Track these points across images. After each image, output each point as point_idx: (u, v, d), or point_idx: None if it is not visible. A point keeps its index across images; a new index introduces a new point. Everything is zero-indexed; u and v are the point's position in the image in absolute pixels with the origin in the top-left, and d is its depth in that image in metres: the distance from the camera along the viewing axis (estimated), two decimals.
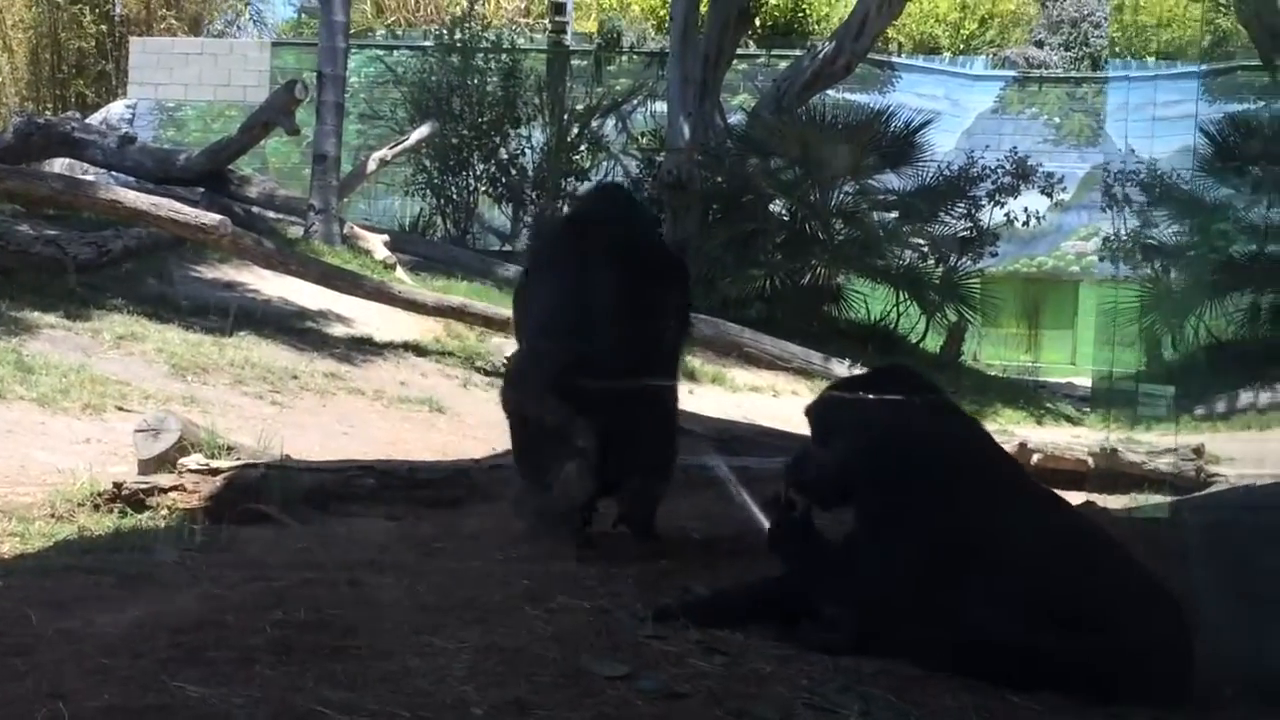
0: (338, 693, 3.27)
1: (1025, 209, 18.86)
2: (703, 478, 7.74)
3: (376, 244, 15.30)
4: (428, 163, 20.23)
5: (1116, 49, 25.12)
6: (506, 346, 11.96)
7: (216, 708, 3.11)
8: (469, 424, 10.05)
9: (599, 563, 4.99)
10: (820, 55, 19.50)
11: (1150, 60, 23.38)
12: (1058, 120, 24.66)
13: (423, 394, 10.46)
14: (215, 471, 6.23)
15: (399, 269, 14.89)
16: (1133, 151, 15.10)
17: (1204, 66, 14.09)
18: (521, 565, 4.89)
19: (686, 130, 18.92)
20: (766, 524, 4.21)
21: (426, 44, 23.03)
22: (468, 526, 5.94)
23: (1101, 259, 17.24)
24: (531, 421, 5.24)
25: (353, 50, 18.48)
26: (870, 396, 3.99)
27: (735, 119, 20.90)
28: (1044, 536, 3.68)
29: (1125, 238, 15.10)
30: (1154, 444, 10.67)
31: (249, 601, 4.16)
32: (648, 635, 3.90)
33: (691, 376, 13.81)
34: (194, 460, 6.31)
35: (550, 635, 3.86)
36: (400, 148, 18.09)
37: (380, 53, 24.45)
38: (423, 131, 18.34)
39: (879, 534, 3.79)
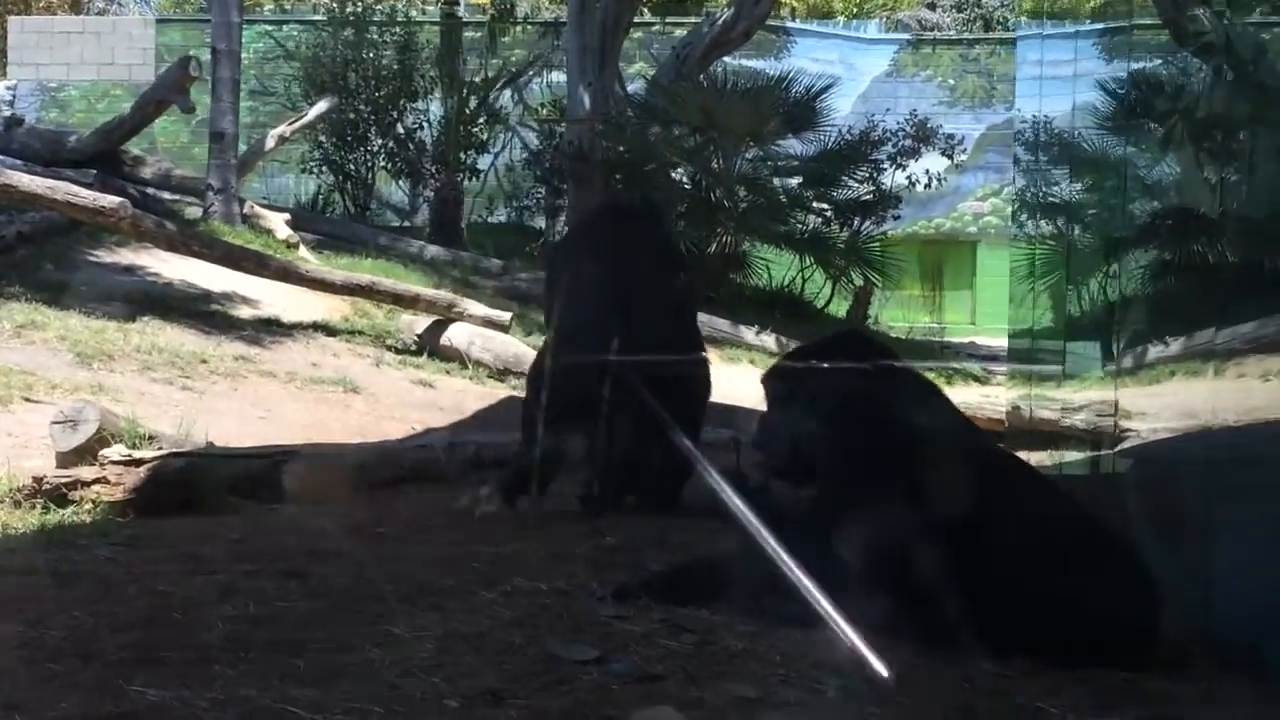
0: (304, 690, 3.17)
1: (926, 171, 18.97)
2: None
3: (278, 223, 15.03)
4: (324, 139, 19.91)
5: (1017, 8, 25.32)
6: (417, 324, 11.84)
7: (182, 712, 2.99)
8: (386, 404, 9.91)
9: (545, 543, 4.92)
10: (719, 22, 19.45)
11: (1053, 20, 23.56)
12: (952, 82, 24.83)
13: (336, 374, 10.30)
14: (138, 462, 6.03)
15: (302, 248, 14.65)
16: (1037, 115, 15.17)
17: (1101, 25, 14.18)
18: (468, 548, 4.80)
19: (587, 100, 18.79)
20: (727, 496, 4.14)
21: (318, 18, 22.69)
22: (403, 510, 5.84)
23: (1015, 219, 17.35)
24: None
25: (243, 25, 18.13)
26: (828, 365, 3.92)
27: (635, 88, 20.79)
28: (1011, 502, 3.66)
29: (1029, 197, 15.22)
30: (1068, 400, 10.78)
31: (195, 597, 4.03)
32: (610, 615, 3.82)
33: None
34: (116, 451, 6.10)
35: (511, 620, 3.78)
36: (300, 124, 17.78)
37: (270, 28, 24.04)
38: (321, 107, 18.04)
39: (846, 502, 3.74)
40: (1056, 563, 3.54)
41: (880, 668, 3.29)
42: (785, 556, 3.59)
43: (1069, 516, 3.74)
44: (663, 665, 3.40)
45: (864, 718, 3.15)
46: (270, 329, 11.46)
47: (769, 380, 4.18)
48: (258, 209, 15.54)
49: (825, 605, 3.42)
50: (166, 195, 16.04)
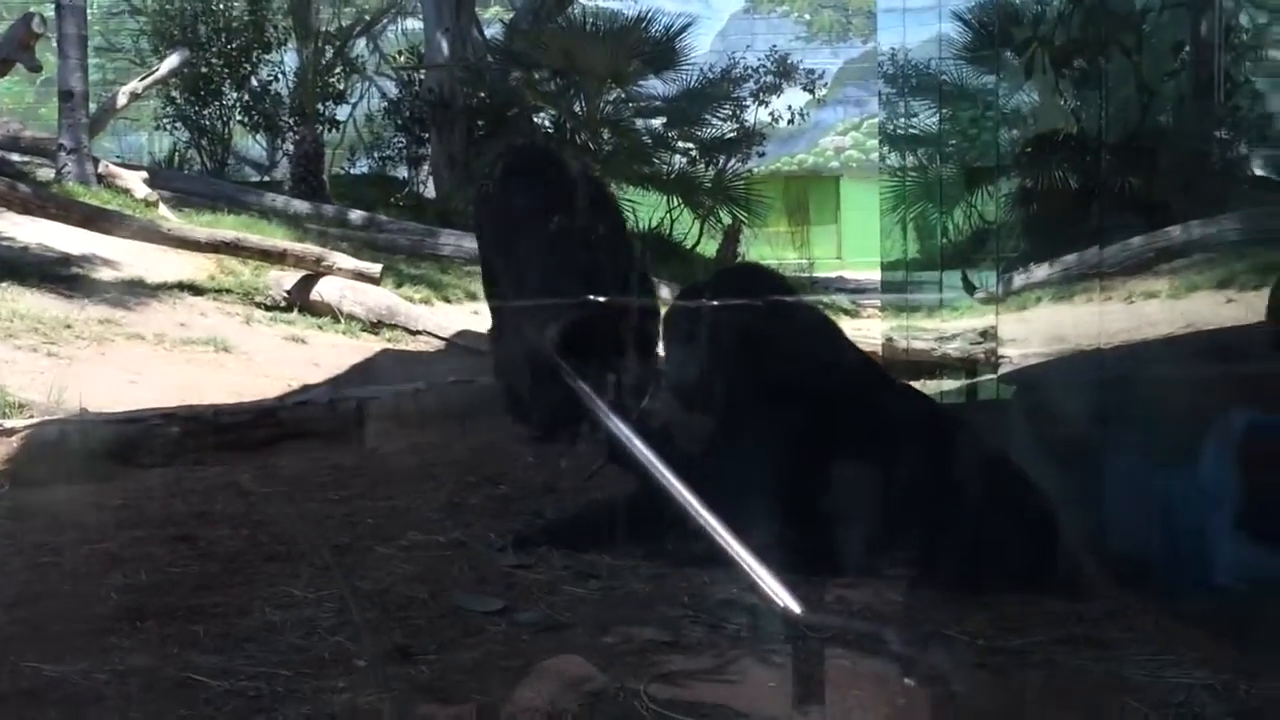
0: (206, 657, 3.11)
1: (788, 107, 19.03)
2: None
3: (135, 181, 14.63)
4: (177, 94, 19.44)
5: None
6: (285, 280, 11.63)
7: (82, 686, 2.92)
8: (258, 362, 9.72)
9: (437, 494, 4.87)
10: None
11: None
12: (808, 17, 24.91)
13: (206, 334, 10.07)
14: (10, 432, 5.86)
15: (161, 206, 14.29)
16: (898, 47, 15.26)
17: None
18: (358, 503, 4.74)
19: (445, 46, 18.55)
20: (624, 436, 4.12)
21: None
22: (288, 468, 5.73)
23: (880, 152, 17.49)
24: None
25: None
26: (727, 300, 3.91)
27: (493, 32, 20.56)
28: (911, 431, 3.68)
29: (893, 129, 15.32)
30: (940, 330, 10.92)
31: (82, 567, 3.94)
32: (512, 565, 3.80)
33: (473, 297, 13.65)
34: None
35: (412, 574, 3.74)
36: (152, 79, 17.31)
37: None
38: (173, 61, 17.58)
39: (746, 436, 3.74)
40: (957, 491, 3.57)
41: (789, 601, 3.31)
42: (687, 495, 3.58)
43: (970, 447, 3.78)
44: (570, 613, 3.39)
45: (774, 653, 3.17)
46: (135, 291, 11.16)
47: (670, 316, 4.15)
48: (113, 168, 15.12)
49: (730, 542, 3.42)
50: (16, 158, 15.54)
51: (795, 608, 3.32)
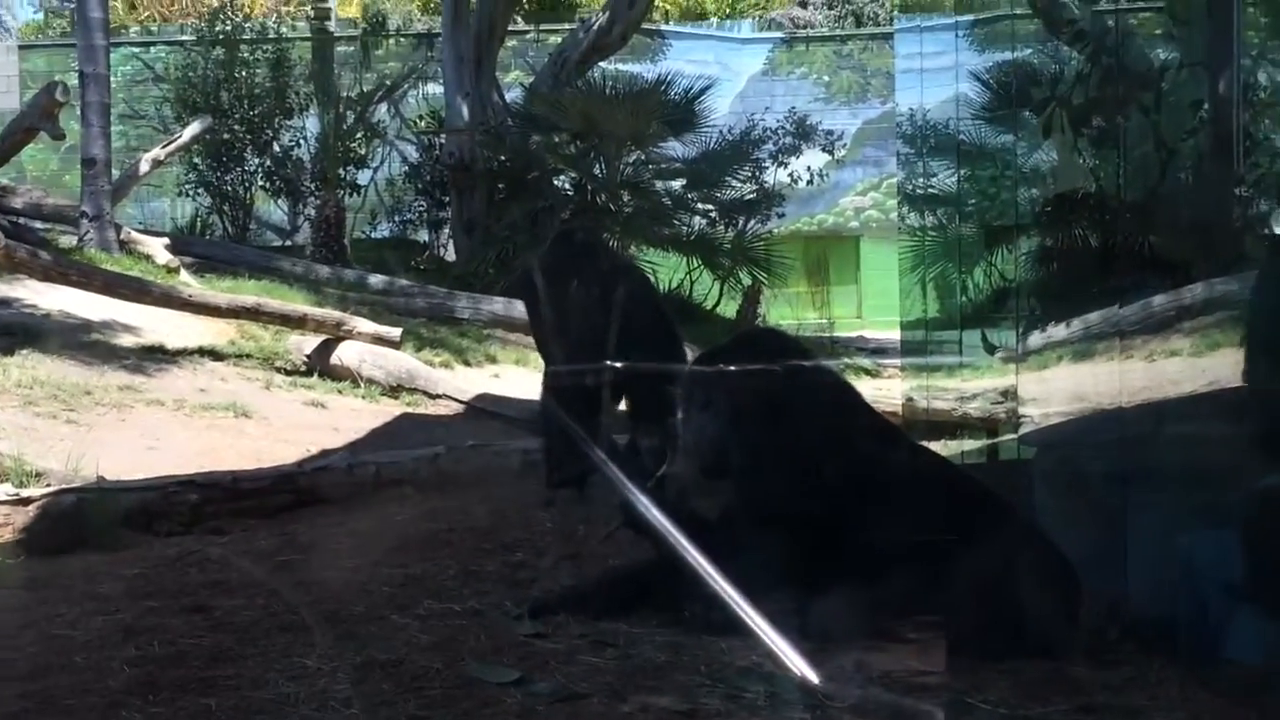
0: None
1: (807, 168, 19.10)
2: (528, 462, 7.62)
3: (157, 248, 14.71)
4: (199, 160, 19.58)
5: (887, 3, 25.50)
6: (305, 344, 11.65)
7: None
8: (278, 427, 9.73)
9: (454, 561, 4.84)
10: (595, 27, 19.42)
11: (921, 12, 23.75)
12: (827, 79, 24.98)
13: (225, 400, 10.08)
14: (27, 501, 5.86)
15: (183, 272, 14.36)
16: (915, 107, 15.31)
17: (971, 16, 14.28)
18: (375, 571, 4.71)
19: (465, 110, 18.66)
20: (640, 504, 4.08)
21: (185, 38, 22.27)
22: (305, 535, 5.71)
23: (899, 212, 17.51)
24: None
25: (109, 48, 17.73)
26: (745, 365, 3.88)
27: (513, 96, 20.69)
28: (935, 499, 3.64)
29: (912, 189, 15.34)
30: (961, 389, 10.87)
31: (96, 639, 3.91)
32: (528, 634, 3.76)
33: (493, 360, 13.67)
34: (3, 491, 5.93)
35: (428, 644, 3.71)
36: (174, 146, 17.43)
37: (137, 50, 23.57)
38: (195, 128, 17.70)
39: (765, 505, 3.71)
40: (977, 555, 3.53)
41: (807, 671, 3.26)
42: (705, 564, 3.54)
43: (991, 510, 3.74)
44: (586, 683, 3.35)
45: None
46: (155, 356, 11.20)
47: (686, 383, 4.12)
48: (135, 235, 15.21)
49: (749, 611, 3.38)
50: (39, 224, 15.65)
51: (813, 676, 3.27)
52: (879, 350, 17.00)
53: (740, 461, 3.81)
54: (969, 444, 9.92)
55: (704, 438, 3.92)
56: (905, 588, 3.47)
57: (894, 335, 15.38)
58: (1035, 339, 10.56)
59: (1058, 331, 10.07)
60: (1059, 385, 9.69)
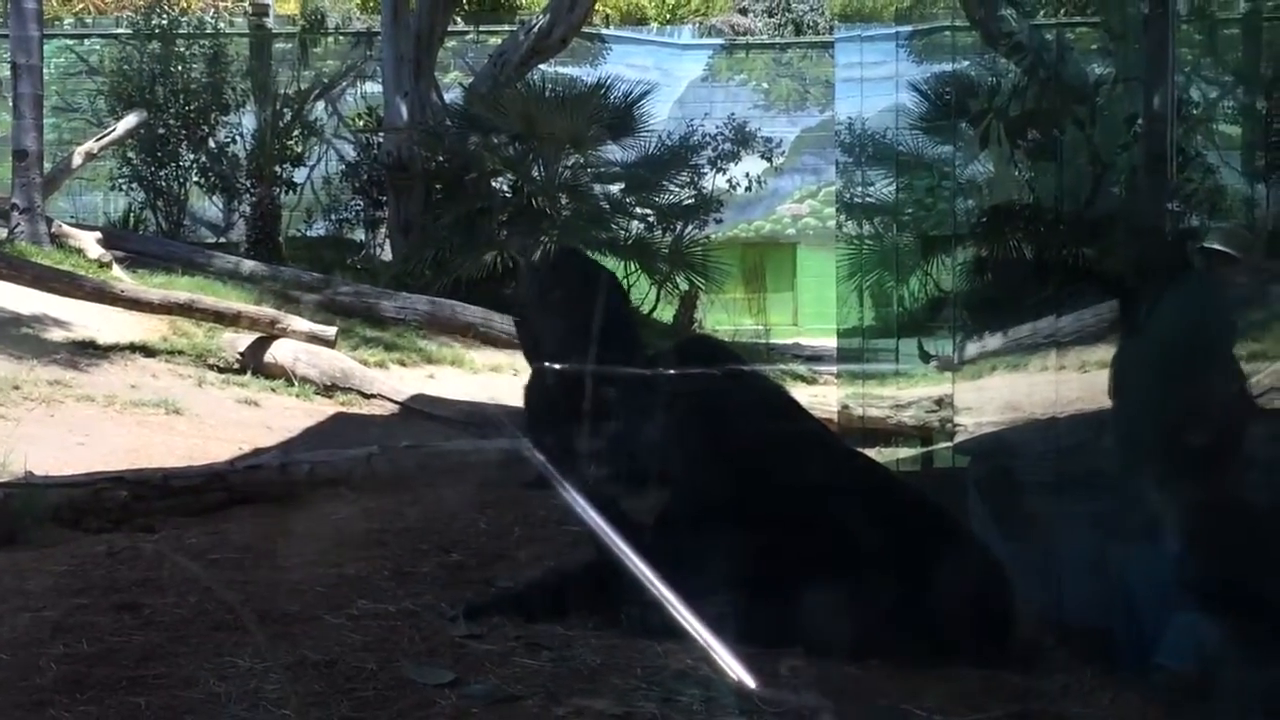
0: None
1: (746, 174, 19.15)
2: (464, 463, 7.60)
3: (89, 242, 14.54)
4: (133, 155, 19.36)
5: (828, 13, 25.60)
6: (239, 342, 11.55)
7: None
8: (210, 425, 9.64)
9: (389, 562, 4.80)
10: (535, 29, 19.36)
11: (861, 22, 23.88)
12: (766, 86, 25.05)
13: (157, 396, 9.98)
14: None
15: (115, 267, 14.20)
16: (854, 116, 15.39)
17: (909, 28, 14.41)
18: (309, 571, 4.67)
19: (404, 109, 18.56)
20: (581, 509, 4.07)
21: (121, 31, 22.00)
22: (237, 533, 5.65)
23: (837, 220, 17.62)
24: None
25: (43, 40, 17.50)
26: (678, 371, 3.88)
27: (452, 96, 20.60)
28: (869, 503, 3.65)
29: (849, 198, 15.42)
30: (896, 397, 10.93)
31: (22, 636, 3.85)
32: (464, 635, 3.74)
33: (429, 359, 13.61)
34: None
35: (361, 645, 3.67)
36: (108, 139, 17.24)
37: (72, 42, 23.29)
38: (130, 121, 17.51)
39: (699, 509, 3.70)
40: (914, 563, 3.54)
41: (743, 675, 3.26)
42: (642, 566, 3.54)
43: (926, 517, 3.75)
44: (522, 685, 3.33)
45: None
46: (86, 352, 11.07)
47: (618, 389, 4.12)
48: (66, 228, 15.02)
49: (685, 614, 3.37)
50: None
51: (749, 681, 3.27)
52: (814, 357, 17.06)
53: (676, 466, 3.82)
54: (904, 451, 9.98)
55: (639, 443, 3.92)
56: (840, 594, 3.47)
57: (829, 343, 15.46)
58: (970, 349, 10.65)
59: (992, 342, 10.15)
60: (993, 394, 9.77)
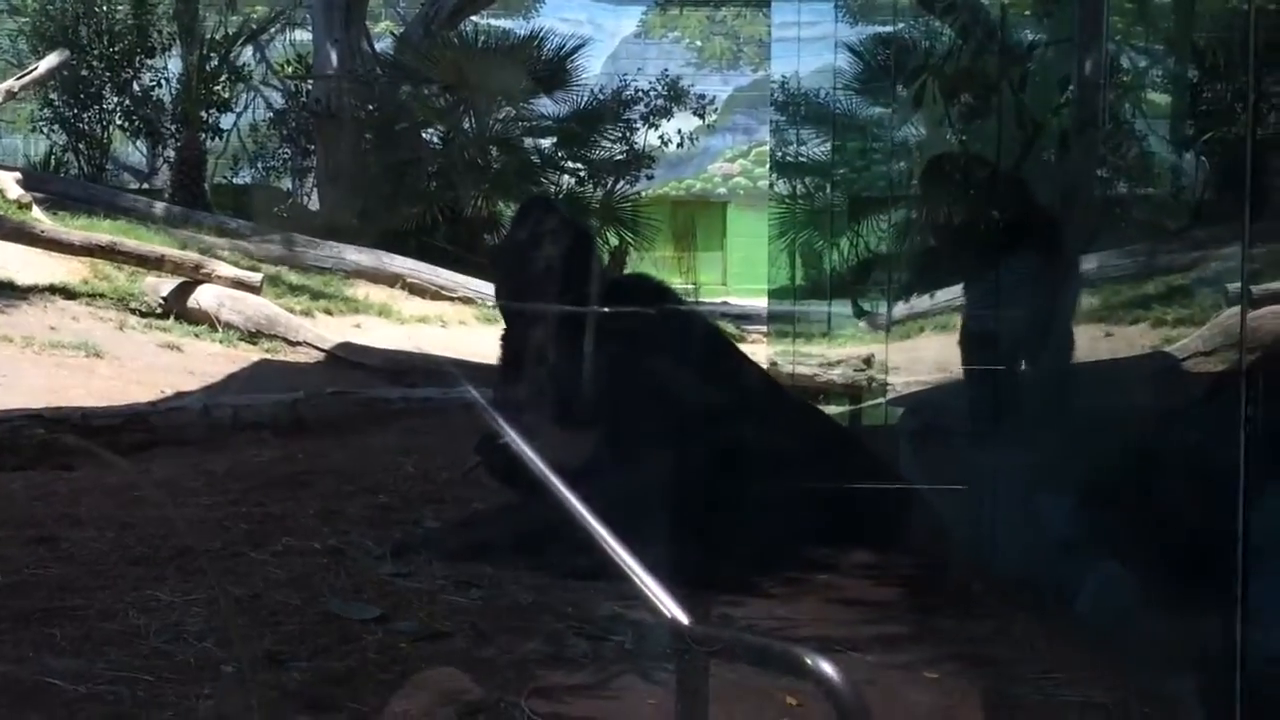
0: (64, 661, 2.96)
1: (678, 131, 19.10)
2: (390, 411, 7.52)
3: (8, 182, 14.20)
4: (55, 96, 18.98)
5: None
6: (162, 286, 11.36)
7: None
8: (131, 368, 9.47)
9: (314, 501, 4.73)
10: None
11: None
12: (699, 44, 25.00)
13: (77, 338, 9.79)
14: None
15: (35, 208, 13.90)
16: (789, 76, 15.36)
17: None
18: (230, 509, 4.58)
19: (334, 57, 18.32)
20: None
21: None
22: (158, 473, 5.55)
23: (770, 179, 17.62)
24: None
25: None
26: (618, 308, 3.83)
27: (383, 46, 20.37)
28: (803, 443, 3.62)
29: (782, 157, 15.42)
30: (825, 356, 10.94)
31: None
32: (391, 573, 3.68)
33: (356, 309, 13.48)
34: None
35: (285, 580, 3.61)
36: (29, 79, 16.85)
37: None
38: (51, 61, 17.12)
39: (634, 444, 3.66)
40: (851, 507, 3.52)
41: (674, 613, 3.21)
42: (575, 506, 3.48)
43: (861, 460, 3.73)
44: (450, 622, 3.28)
45: (657, 667, 3.07)
46: (3, 292, 10.84)
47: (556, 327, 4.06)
48: None
49: (620, 552, 3.31)
50: None
51: (680, 620, 3.22)
52: (743, 316, 17.05)
53: (611, 403, 3.77)
54: (833, 409, 9.98)
55: (575, 380, 3.87)
56: (775, 533, 3.44)
57: (758, 303, 15.45)
58: (899, 309, 10.68)
59: (920, 303, 10.19)
60: (921, 354, 9.80)
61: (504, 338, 4.88)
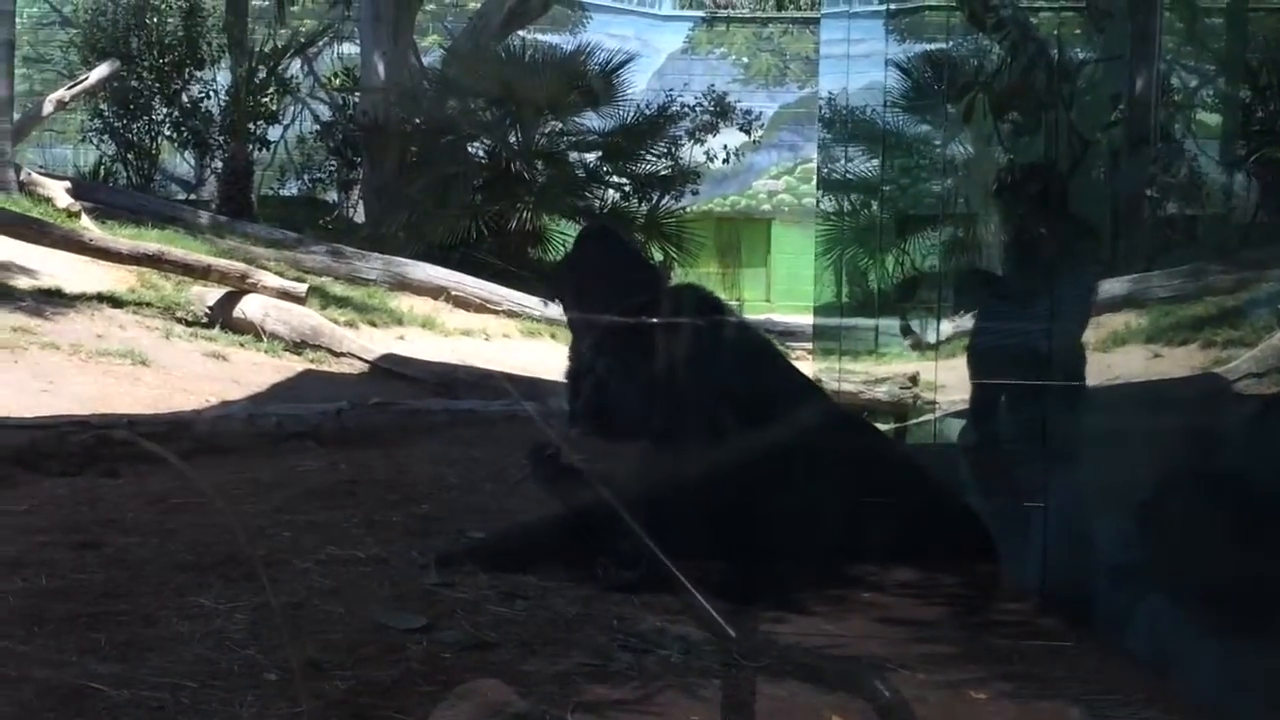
0: (107, 665, 2.94)
1: (724, 147, 19.09)
2: (433, 422, 7.50)
3: (58, 191, 14.33)
4: (105, 107, 19.12)
5: None
6: (208, 296, 11.41)
7: None
8: (176, 376, 9.49)
9: (359, 511, 4.71)
10: None
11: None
12: (746, 60, 24.96)
13: (123, 346, 9.83)
14: None
15: (84, 217, 14.00)
16: (835, 93, 15.30)
17: (892, 5, 14.27)
18: (277, 517, 4.57)
19: (381, 70, 18.40)
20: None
21: None
22: (204, 480, 5.53)
23: (817, 197, 17.55)
24: None
25: None
26: (670, 320, 3.79)
27: (430, 60, 20.44)
28: (858, 461, 3.58)
29: (829, 174, 15.37)
30: (870, 373, 10.90)
31: None
32: (435, 583, 3.65)
33: (400, 321, 13.50)
34: None
35: (330, 589, 3.59)
36: (79, 88, 16.98)
37: None
38: (102, 71, 17.25)
39: (689, 459, 3.62)
40: (901, 522, 3.47)
41: (723, 629, 3.19)
42: (630, 520, 3.45)
43: (914, 478, 3.69)
44: (495, 633, 3.25)
45: (705, 683, 3.04)
46: (52, 300, 10.91)
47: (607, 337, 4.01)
48: (35, 177, 14.79)
49: (670, 567, 3.29)
50: None
51: (729, 635, 3.19)
52: (787, 333, 17.00)
53: (662, 415, 3.73)
54: (878, 426, 9.93)
55: (620, 393, 3.84)
56: (824, 552, 3.40)
57: (802, 319, 15.39)
58: (945, 328, 10.60)
59: (967, 321, 10.10)
60: (964, 373, 9.70)
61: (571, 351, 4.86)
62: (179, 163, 20.80)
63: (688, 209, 18.56)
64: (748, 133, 19.58)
